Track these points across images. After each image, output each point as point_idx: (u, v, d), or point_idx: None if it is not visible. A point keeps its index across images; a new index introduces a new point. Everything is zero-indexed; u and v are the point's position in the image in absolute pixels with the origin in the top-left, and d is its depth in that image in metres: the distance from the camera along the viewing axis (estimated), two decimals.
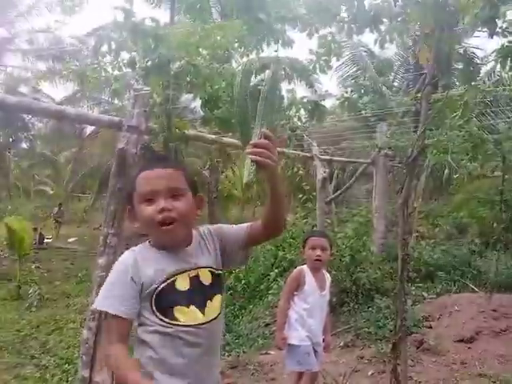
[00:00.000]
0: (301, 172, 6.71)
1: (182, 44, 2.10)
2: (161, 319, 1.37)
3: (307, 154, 6.33)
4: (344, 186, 11.31)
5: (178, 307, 1.38)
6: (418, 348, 4.44)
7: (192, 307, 1.39)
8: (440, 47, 2.04)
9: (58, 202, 17.11)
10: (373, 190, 7.89)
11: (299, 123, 5.53)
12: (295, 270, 3.06)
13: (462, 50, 2.13)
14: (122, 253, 1.49)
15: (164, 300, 1.37)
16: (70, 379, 4.85)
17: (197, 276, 1.42)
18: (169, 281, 1.38)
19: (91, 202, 15.96)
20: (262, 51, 2.13)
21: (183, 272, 1.40)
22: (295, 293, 2.97)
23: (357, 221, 6.77)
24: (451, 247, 8.20)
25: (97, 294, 3.12)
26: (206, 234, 1.51)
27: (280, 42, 1.97)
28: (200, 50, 2.19)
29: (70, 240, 16.36)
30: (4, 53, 14.51)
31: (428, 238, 9.78)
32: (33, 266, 10.83)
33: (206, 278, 1.44)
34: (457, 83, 2.47)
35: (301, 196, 7.50)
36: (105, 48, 2.16)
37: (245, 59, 2.33)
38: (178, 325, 1.37)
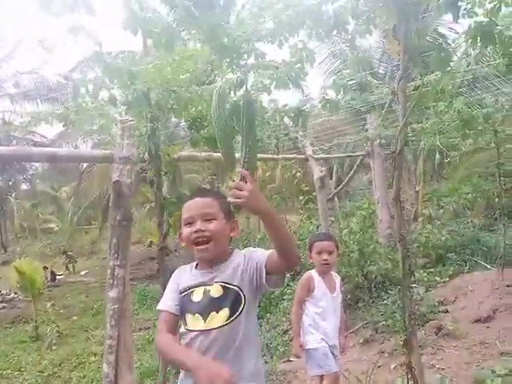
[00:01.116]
0: (298, 174, 6.71)
1: (155, 78, 2.16)
2: (181, 322, 1.69)
3: (302, 156, 6.33)
4: (344, 179, 11.32)
5: (189, 314, 1.66)
6: (437, 334, 4.43)
7: (197, 315, 1.63)
8: (409, 39, 2.07)
9: (63, 249, 17.14)
10: (372, 180, 7.89)
11: (289, 127, 5.56)
12: (303, 276, 3.07)
13: (431, 38, 2.14)
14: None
15: (184, 307, 1.68)
16: None
17: (209, 290, 1.65)
18: (187, 292, 1.68)
19: (97, 233, 16.01)
20: (237, 68, 2.16)
21: (201, 286, 1.67)
22: (306, 298, 2.98)
23: (360, 214, 6.76)
24: (458, 227, 8.18)
25: (111, 327, 3.15)
26: (241, 254, 1.71)
27: (251, 57, 2.00)
28: (176, 76, 2.24)
29: (82, 273, 16.40)
30: None
31: (436, 219, 9.74)
32: (48, 305, 10.85)
33: (216, 292, 1.64)
34: (432, 71, 2.48)
35: (301, 198, 7.52)
36: (83, 90, 2.20)
37: (222, 79, 2.37)
38: (186, 329, 1.66)
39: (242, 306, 1.62)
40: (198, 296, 1.65)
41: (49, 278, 14.42)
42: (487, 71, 3.32)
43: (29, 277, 9.39)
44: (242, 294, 1.63)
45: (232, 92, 2.34)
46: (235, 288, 1.63)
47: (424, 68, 2.12)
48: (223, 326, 1.60)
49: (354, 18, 2.05)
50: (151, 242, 13.30)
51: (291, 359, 4.79)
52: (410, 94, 2.26)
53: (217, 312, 1.61)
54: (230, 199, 1.43)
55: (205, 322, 1.61)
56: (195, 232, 1.63)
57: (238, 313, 1.61)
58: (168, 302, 1.70)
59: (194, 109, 2.76)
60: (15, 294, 13.43)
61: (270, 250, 1.62)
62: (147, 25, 1.60)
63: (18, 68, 14.19)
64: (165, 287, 3.03)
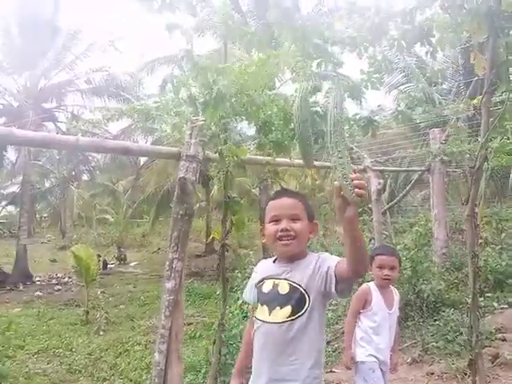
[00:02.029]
0: None
1: (238, 77, 2.24)
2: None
3: (360, 167, 6.25)
4: (397, 194, 11.00)
5: (259, 304, 1.79)
6: (493, 362, 4.21)
7: (264, 306, 1.75)
8: (496, 54, 2.02)
9: (118, 244, 17.85)
10: (430, 198, 7.64)
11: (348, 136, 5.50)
12: (361, 288, 2.98)
13: None
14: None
15: (257, 296, 1.82)
16: None
17: (278, 285, 1.74)
18: (261, 282, 1.81)
19: (149, 227, 16.59)
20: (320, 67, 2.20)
21: (271, 278, 1.78)
22: (361, 311, 2.91)
23: (416, 231, 6.56)
24: None
25: (165, 317, 3.29)
26: (315, 257, 1.76)
27: (330, 65, 2.03)
28: (258, 78, 2.30)
29: (132, 264, 17.05)
30: (66, 94, 15.76)
31: (493, 244, 9.25)
32: (99, 292, 11.37)
33: (283, 288, 1.73)
34: None
35: None
36: (168, 86, 2.32)
37: (297, 84, 2.41)
38: (255, 317, 1.79)
39: (306, 308, 1.68)
40: (267, 287, 1.77)
41: (101, 266, 15.11)
42: None
43: (84, 263, 9.85)
44: (307, 297, 1.68)
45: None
46: (301, 289, 1.69)
47: (509, 84, 2.05)
48: (283, 322, 1.68)
49: (439, 30, 2.03)
50: (213, 238, 13.66)
51: (335, 370, 4.73)
52: (493, 108, 2.18)
53: (281, 308, 1.70)
54: (358, 191, 1.35)
55: (269, 314, 1.72)
56: (281, 230, 1.72)
57: (299, 314, 1.67)
58: (247, 294, 1.92)
59: (264, 113, 2.82)
60: (69, 278, 14.21)
61: (340, 258, 1.66)
62: (241, 29, 1.68)
63: (90, 65, 15.11)
64: (224, 280, 3.13)
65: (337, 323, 6.31)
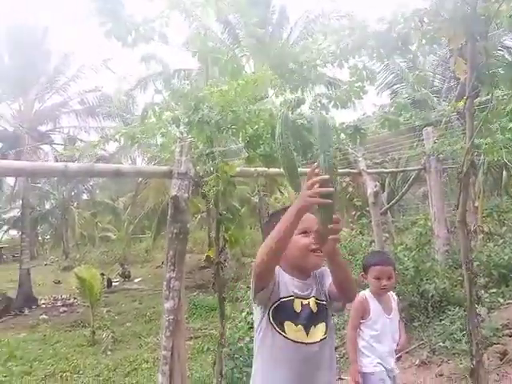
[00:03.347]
0: (350, 189, 6.60)
1: (219, 102, 2.25)
2: (273, 327, 1.67)
3: (355, 171, 6.24)
4: (397, 193, 10.98)
5: (289, 322, 1.67)
6: (501, 360, 4.16)
7: (300, 327, 1.68)
8: (475, 58, 2.01)
9: (120, 262, 17.85)
10: (428, 195, 7.62)
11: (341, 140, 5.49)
12: (357, 299, 2.84)
13: (500, 56, 2.07)
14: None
15: (280, 312, 1.68)
16: None
17: (308, 304, 1.71)
18: (289, 298, 1.69)
19: (151, 242, 16.56)
20: (296, 91, 2.20)
21: (300, 297, 1.71)
22: (361, 321, 2.85)
23: (416, 231, 6.53)
24: None
25: (166, 338, 3.26)
26: (323, 273, 1.78)
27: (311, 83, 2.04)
28: (239, 99, 2.31)
29: (136, 280, 16.99)
30: (60, 116, 15.83)
31: (496, 235, 9.19)
32: (104, 311, 11.31)
33: (313, 306, 1.72)
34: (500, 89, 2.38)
35: (354, 213, 7.39)
36: (150, 112, 2.33)
37: (280, 98, 2.41)
38: (285, 337, 1.66)
39: (331, 321, 1.76)
40: (298, 306, 1.71)
41: (105, 285, 15.05)
42: None
43: (88, 283, 9.84)
44: (328, 310, 1.76)
45: (290, 111, 2.39)
46: (325, 304, 1.75)
47: (492, 86, 2.04)
48: (320, 340, 1.69)
49: (417, 37, 2.03)
50: (207, 256, 13.63)
51: (343, 377, 4.68)
52: (477, 113, 2.17)
53: (315, 326, 1.70)
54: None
55: (307, 334, 1.69)
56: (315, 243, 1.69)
57: (329, 327, 1.73)
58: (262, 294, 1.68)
59: (250, 128, 2.81)
60: (74, 298, 14.15)
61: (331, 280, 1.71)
62: (215, 53, 1.68)
63: (83, 86, 15.25)
64: (221, 299, 3.11)
65: (343, 328, 6.26)
